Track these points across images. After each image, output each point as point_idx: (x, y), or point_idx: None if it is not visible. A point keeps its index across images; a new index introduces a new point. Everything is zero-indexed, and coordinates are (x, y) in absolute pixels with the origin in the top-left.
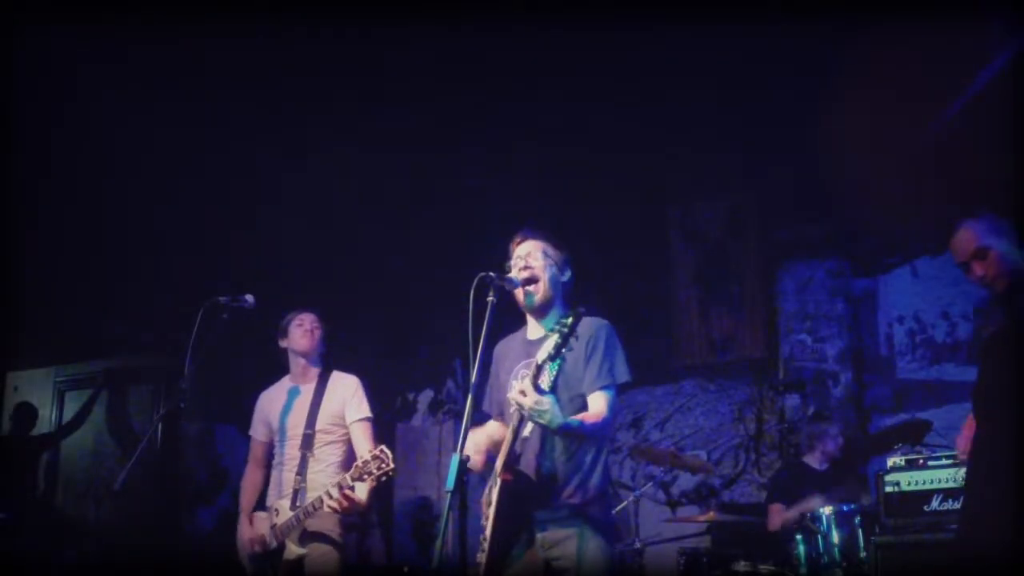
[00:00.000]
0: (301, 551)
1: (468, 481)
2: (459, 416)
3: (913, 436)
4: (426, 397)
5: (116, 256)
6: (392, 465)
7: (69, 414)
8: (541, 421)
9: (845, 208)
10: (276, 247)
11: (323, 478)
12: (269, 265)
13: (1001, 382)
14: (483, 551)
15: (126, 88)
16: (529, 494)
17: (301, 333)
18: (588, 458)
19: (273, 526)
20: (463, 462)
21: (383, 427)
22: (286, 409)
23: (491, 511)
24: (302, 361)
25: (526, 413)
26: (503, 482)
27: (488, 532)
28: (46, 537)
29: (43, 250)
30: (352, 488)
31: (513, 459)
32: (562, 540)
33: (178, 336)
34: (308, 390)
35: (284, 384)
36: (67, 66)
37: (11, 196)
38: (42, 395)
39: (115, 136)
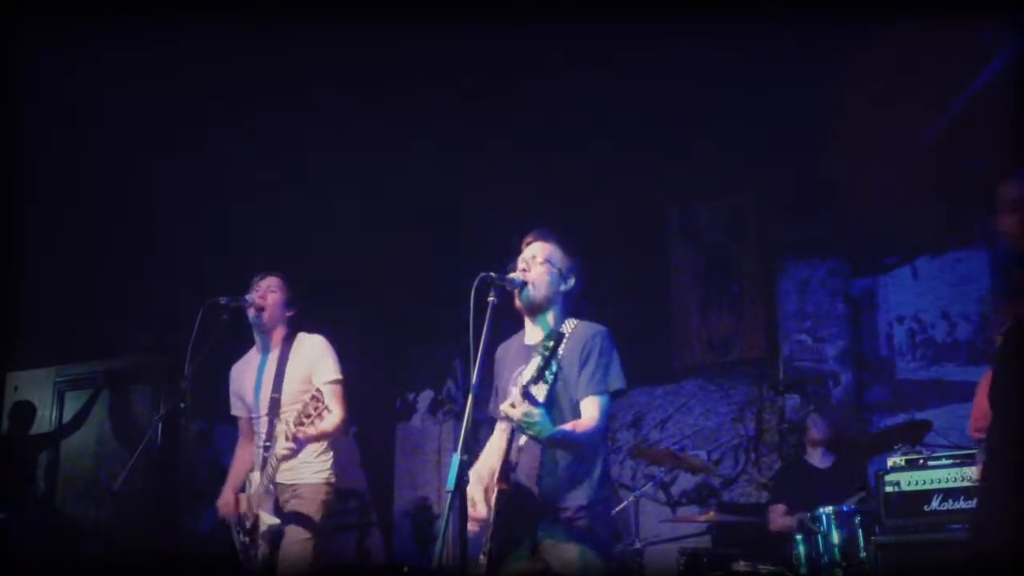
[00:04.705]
0: (274, 521)
1: (468, 481)
2: (459, 416)
3: (913, 436)
4: (426, 397)
5: (116, 256)
6: (326, 404)
7: (69, 414)
8: (531, 432)
9: (845, 208)
10: (276, 247)
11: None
12: (269, 266)
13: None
14: (485, 553)
15: (126, 88)
16: (526, 503)
17: (252, 311)
18: (586, 466)
19: (248, 499)
20: (463, 462)
21: (383, 427)
22: (258, 382)
23: (491, 518)
24: (264, 323)
25: (515, 424)
26: (500, 492)
27: (489, 537)
28: (46, 537)
29: (43, 250)
30: (296, 436)
31: (509, 468)
32: (562, 547)
33: (178, 336)
34: (274, 357)
35: (253, 356)
36: (67, 66)
37: (11, 196)
38: (42, 395)
39: (115, 135)
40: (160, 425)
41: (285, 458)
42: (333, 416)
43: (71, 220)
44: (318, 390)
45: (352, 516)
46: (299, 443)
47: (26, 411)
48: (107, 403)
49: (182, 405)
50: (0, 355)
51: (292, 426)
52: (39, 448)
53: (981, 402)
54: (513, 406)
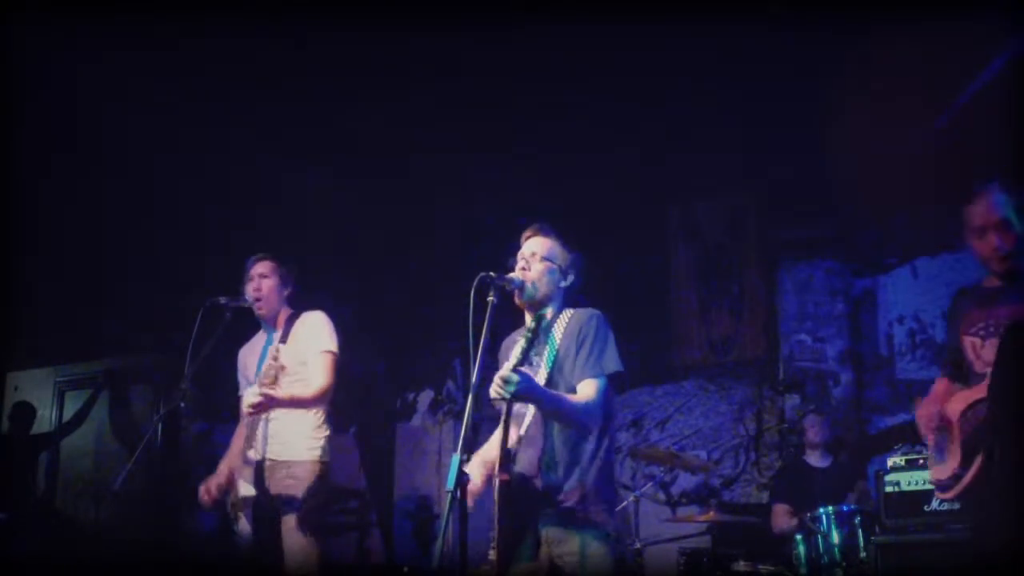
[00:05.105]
0: (250, 491)
1: (468, 481)
2: (459, 416)
3: (913, 436)
4: (426, 397)
5: (116, 256)
6: (283, 363)
7: (69, 414)
8: (527, 398)
9: (845, 208)
10: (276, 248)
11: (285, 417)
12: None
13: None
14: (494, 548)
15: (126, 88)
16: (527, 494)
17: (252, 296)
18: (587, 456)
19: (231, 471)
20: (463, 462)
21: (383, 427)
22: (260, 361)
23: (495, 511)
24: (264, 314)
25: (509, 396)
26: (500, 483)
27: (496, 533)
28: (46, 537)
29: (43, 250)
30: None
31: (509, 459)
32: (565, 538)
33: (178, 336)
34: (277, 337)
35: (259, 338)
36: (67, 66)
37: (11, 196)
38: (42, 395)
39: (115, 136)
40: (160, 425)
41: (255, 407)
42: (316, 383)
43: (71, 220)
44: (278, 348)
45: (352, 516)
46: (268, 399)
47: (26, 411)
48: (107, 403)
49: (182, 405)
50: (0, 355)
51: (258, 386)
52: (39, 448)
53: (932, 406)
54: (502, 384)
